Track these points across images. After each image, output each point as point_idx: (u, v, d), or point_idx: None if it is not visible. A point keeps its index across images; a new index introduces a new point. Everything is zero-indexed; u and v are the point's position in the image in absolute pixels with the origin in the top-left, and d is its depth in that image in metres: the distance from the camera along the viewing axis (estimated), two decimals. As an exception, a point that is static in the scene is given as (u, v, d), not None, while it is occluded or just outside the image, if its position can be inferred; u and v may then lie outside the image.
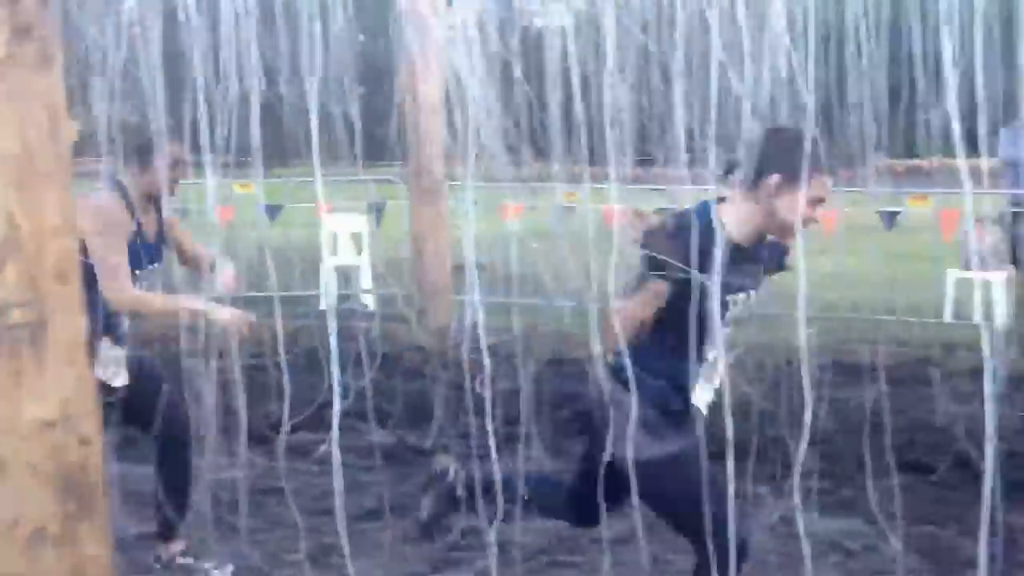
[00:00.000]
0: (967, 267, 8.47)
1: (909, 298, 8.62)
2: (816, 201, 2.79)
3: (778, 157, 2.75)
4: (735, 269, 2.72)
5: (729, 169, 2.88)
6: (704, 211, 2.83)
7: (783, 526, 4.40)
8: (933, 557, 3.91)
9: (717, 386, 2.92)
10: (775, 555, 4.10)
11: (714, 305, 2.17)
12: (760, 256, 2.98)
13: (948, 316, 8.72)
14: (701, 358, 2.86)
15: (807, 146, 2.57)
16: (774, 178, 2.78)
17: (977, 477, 1.49)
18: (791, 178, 2.74)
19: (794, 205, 2.71)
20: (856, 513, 4.23)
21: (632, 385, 2.25)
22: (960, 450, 4.33)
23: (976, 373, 5.63)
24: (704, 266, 2.45)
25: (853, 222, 7.52)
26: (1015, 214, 7.93)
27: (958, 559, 3.86)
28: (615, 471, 2.57)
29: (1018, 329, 7.76)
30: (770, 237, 2.96)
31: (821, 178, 2.78)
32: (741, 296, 2.95)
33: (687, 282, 2.58)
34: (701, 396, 2.93)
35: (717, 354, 2.85)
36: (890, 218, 8.80)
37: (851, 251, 6.58)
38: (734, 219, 2.85)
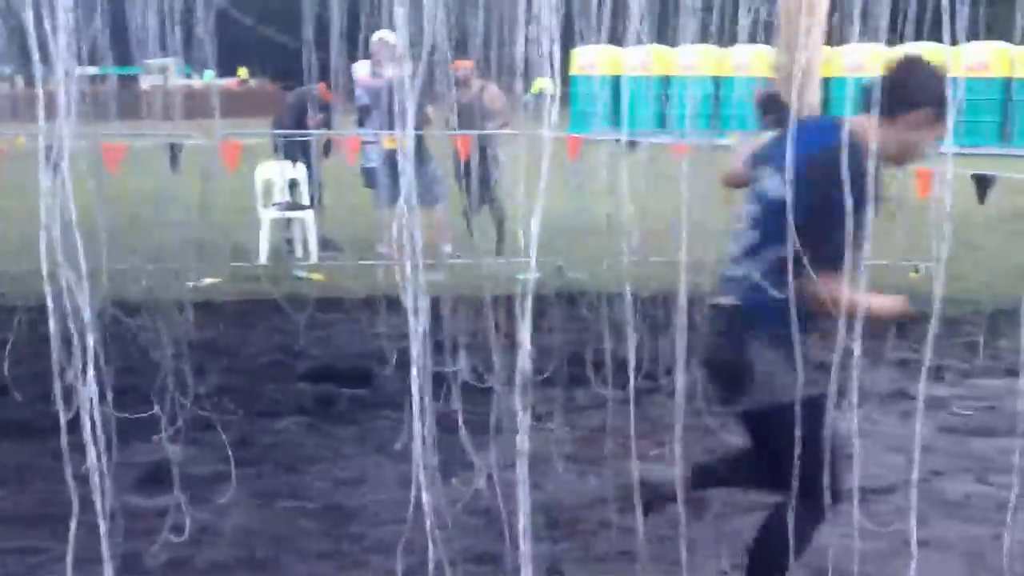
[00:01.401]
0: None
1: None
2: (934, 142, 2.92)
3: (929, 92, 2.82)
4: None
5: (869, 93, 2.78)
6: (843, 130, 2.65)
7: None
8: None
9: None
10: None
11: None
12: None
13: None
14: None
15: (949, 86, 2.81)
16: (925, 111, 2.84)
17: None
18: (936, 116, 2.83)
19: (927, 140, 2.89)
20: None
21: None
22: None
23: None
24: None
25: None
26: None
27: None
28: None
29: None
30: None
31: (946, 121, 2.86)
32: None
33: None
34: None
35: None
36: None
37: None
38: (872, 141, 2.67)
